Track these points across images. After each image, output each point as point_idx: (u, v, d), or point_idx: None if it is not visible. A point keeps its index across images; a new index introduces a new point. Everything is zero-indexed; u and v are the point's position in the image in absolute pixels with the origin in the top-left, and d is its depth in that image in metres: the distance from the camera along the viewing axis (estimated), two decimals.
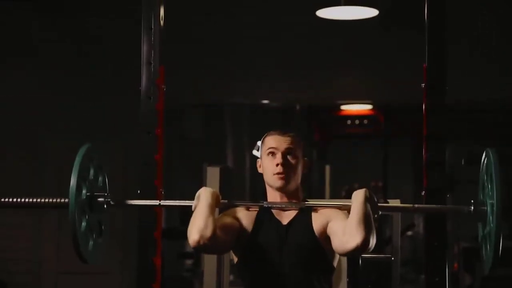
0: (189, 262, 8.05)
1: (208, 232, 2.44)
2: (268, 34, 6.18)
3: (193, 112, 9.26)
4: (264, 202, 2.64)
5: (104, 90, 6.38)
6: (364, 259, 3.43)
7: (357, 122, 9.83)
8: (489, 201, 2.49)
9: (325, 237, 2.56)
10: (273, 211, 2.63)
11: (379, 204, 2.56)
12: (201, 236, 2.43)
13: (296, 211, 2.63)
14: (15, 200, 2.69)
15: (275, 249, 2.56)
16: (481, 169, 2.58)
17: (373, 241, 2.41)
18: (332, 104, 9.37)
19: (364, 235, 2.38)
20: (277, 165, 2.59)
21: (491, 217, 2.46)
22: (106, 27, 5.88)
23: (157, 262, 2.94)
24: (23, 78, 6.31)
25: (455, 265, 7.24)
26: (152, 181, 2.96)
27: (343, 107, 9.52)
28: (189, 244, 2.48)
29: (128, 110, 4.38)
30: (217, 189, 2.66)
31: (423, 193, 2.97)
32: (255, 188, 8.56)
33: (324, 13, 5.22)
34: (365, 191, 2.50)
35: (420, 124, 3.00)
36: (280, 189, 2.62)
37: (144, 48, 3.03)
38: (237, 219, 2.60)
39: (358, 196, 2.49)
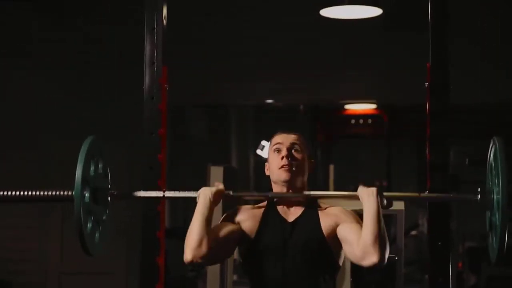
0: None
1: (202, 252, 2.45)
2: (272, 33, 6.18)
3: (196, 112, 9.25)
4: (270, 193, 2.63)
5: (106, 90, 6.37)
6: None
7: (361, 122, 9.83)
8: (495, 190, 2.45)
9: (333, 237, 2.55)
10: (279, 209, 2.63)
11: (385, 194, 2.52)
12: (194, 256, 2.45)
13: (303, 209, 2.62)
14: (19, 193, 2.66)
15: (280, 247, 2.55)
16: (488, 158, 2.55)
17: (387, 256, 2.41)
18: (336, 104, 9.36)
19: (380, 254, 2.38)
20: (282, 158, 2.60)
21: (497, 206, 2.42)
22: (106, 27, 5.88)
23: (160, 262, 2.94)
24: (23, 78, 6.31)
25: (459, 264, 7.22)
26: (156, 181, 2.95)
27: (347, 106, 9.51)
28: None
29: (131, 110, 4.38)
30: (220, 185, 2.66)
31: (426, 193, 2.96)
32: (259, 187, 8.55)
33: (328, 12, 5.22)
34: (377, 196, 2.46)
35: (424, 124, 2.98)
36: (286, 182, 2.60)
37: (147, 48, 3.02)
38: (239, 223, 2.60)
39: (371, 203, 2.46)
